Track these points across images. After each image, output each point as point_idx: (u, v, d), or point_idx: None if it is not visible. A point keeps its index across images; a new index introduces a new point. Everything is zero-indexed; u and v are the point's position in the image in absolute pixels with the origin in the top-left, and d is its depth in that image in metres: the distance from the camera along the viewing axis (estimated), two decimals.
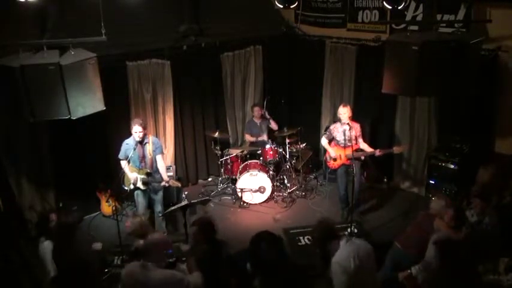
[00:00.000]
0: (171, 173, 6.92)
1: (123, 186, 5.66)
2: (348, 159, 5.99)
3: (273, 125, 7.59)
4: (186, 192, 6.27)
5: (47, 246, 4.23)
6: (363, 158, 6.12)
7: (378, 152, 5.94)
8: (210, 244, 4.07)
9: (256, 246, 3.27)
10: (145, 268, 3.37)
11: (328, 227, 3.64)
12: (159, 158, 5.73)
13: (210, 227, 4.23)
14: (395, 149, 5.94)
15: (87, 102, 4.68)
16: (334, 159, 6.15)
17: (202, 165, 7.85)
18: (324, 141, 6.27)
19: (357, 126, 6.04)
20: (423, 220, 4.35)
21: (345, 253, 3.42)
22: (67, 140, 6.15)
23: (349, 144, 5.90)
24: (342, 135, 5.99)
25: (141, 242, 4.34)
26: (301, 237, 5.94)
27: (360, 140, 6.11)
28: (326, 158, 6.38)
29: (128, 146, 5.59)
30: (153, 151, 5.65)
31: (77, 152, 6.31)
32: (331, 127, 6.22)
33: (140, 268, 3.38)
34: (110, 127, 6.49)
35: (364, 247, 3.51)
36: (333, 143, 6.20)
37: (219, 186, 7.48)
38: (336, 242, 3.52)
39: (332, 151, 6.15)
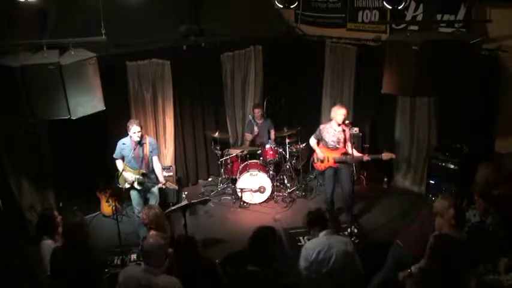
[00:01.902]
0: (171, 173, 6.94)
1: (118, 185, 5.66)
2: (336, 162, 5.94)
3: (272, 135, 7.56)
4: (186, 192, 6.30)
5: (48, 245, 4.21)
6: (349, 162, 5.94)
7: (366, 157, 5.84)
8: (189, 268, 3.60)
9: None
10: (148, 272, 3.30)
11: (320, 214, 3.73)
12: (155, 159, 5.72)
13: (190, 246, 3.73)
14: (384, 155, 5.80)
15: (87, 102, 4.67)
16: (321, 161, 6.03)
17: (202, 165, 7.86)
18: (312, 141, 6.10)
19: (347, 130, 5.86)
20: (425, 219, 4.35)
21: (314, 243, 3.62)
22: (67, 140, 6.15)
23: (338, 146, 5.88)
24: (332, 136, 5.89)
25: (153, 233, 4.32)
26: (301, 237, 5.94)
27: (348, 144, 5.89)
28: (313, 159, 6.27)
29: (125, 146, 5.58)
30: (150, 152, 5.65)
31: (77, 152, 6.31)
32: (321, 127, 6.03)
33: (142, 272, 3.31)
34: (110, 127, 6.49)
35: (342, 248, 3.55)
36: (320, 144, 6.07)
37: (219, 186, 7.48)
38: (317, 230, 3.66)
39: (320, 152, 6.03)
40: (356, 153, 5.90)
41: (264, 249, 3.31)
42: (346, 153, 5.84)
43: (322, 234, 3.66)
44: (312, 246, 3.62)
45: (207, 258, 3.90)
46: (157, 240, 3.51)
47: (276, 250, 3.38)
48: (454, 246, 3.36)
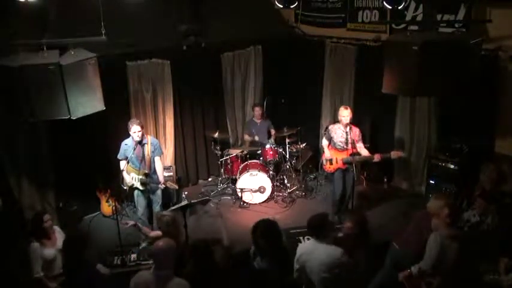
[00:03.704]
0: (171, 173, 6.93)
1: (123, 186, 5.68)
2: (344, 163, 5.95)
3: (272, 135, 7.57)
4: (186, 192, 6.28)
5: (36, 247, 4.22)
6: (355, 163, 5.93)
7: (376, 158, 5.84)
8: None
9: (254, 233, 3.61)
10: (159, 275, 3.28)
11: (319, 222, 3.80)
12: (157, 159, 5.73)
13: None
14: (393, 154, 5.85)
15: (87, 102, 4.67)
16: (330, 162, 6.05)
17: (202, 165, 7.86)
18: (324, 143, 6.15)
19: (356, 131, 5.93)
20: (421, 219, 4.35)
21: (303, 246, 3.86)
22: (67, 140, 6.15)
23: (346, 147, 5.88)
24: (341, 137, 5.91)
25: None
26: (301, 237, 5.92)
27: (360, 145, 5.98)
28: (322, 161, 6.26)
29: (127, 146, 5.60)
30: (152, 152, 5.65)
31: (76, 152, 6.31)
32: (330, 127, 6.11)
33: (153, 277, 3.30)
34: (110, 127, 6.49)
35: (320, 258, 3.57)
36: (330, 145, 6.09)
37: (219, 186, 7.48)
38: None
39: (328, 153, 6.04)
40: (366, 153, 5.93)
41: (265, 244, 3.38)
42: (354, 154, 5.83)
43: (312, 239, 3.75)
44: (299, 249, 3.81)
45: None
46: (167, 243, 3.46)
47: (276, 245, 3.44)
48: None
